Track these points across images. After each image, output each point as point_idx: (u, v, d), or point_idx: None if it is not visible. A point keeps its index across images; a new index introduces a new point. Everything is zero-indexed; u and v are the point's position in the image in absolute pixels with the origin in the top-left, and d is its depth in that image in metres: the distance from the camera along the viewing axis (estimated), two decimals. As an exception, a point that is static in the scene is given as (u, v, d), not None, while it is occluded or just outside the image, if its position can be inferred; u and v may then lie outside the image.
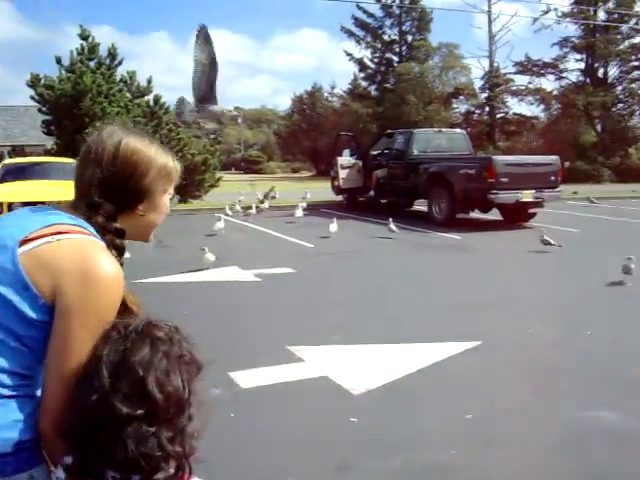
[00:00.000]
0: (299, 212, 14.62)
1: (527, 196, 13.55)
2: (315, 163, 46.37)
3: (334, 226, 12.13)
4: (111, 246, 1.46)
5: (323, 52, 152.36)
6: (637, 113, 40.35)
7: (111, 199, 1.48)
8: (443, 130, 18.02)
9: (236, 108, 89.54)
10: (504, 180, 13.17)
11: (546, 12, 38.59)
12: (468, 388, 4.52)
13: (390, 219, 12.29)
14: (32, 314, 1.32)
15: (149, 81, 19.17)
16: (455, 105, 43.44)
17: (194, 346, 1.37)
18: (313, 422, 3.98)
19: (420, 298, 7.43)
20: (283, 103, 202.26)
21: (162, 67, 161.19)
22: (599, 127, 40.66)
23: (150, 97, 19.05)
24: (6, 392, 1.32)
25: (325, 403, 4.29)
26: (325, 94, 47.08)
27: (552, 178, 14.18)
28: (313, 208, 16.94)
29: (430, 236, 12.63)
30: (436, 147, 16.17)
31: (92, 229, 1.43)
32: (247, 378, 4.62)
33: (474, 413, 4.02)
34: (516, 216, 14.47)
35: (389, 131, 17.70)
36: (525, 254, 10.51)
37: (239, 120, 46.72)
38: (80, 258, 1.34)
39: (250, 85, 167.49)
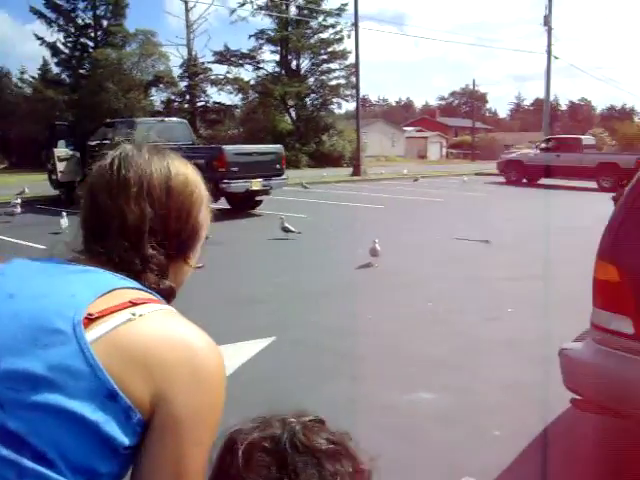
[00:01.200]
0: (17, 209, 13.21)
1: (256, 184, 13.84)
2: (7, 155, 42.38)
3: (65, 221, 11.19)
4: None
5: (5, 34, 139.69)
6: (328, 103, 43.51)
7: (162, 248, 1.06)
8: (165, 120, 17.54)
9: None
10: (234, 169, 13.31)
11: (242, 4, 39.72)
12: (289, 388, 4.43)
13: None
14: (124, 438, 0.86)
15: None
16: (155, 93, 42.82)
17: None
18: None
19: (191, 296, 7.12)
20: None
21: None
22: (295, 116, 43.10)
23: None
24: None
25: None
26: (14, 80, 43.11)
27: (277, 166, 14.67)
28: (26, 204, 15.40)
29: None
30: (159, 137, 15.64)
31: (157, 294, 1.02)
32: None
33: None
34: (244, 204, 14.70)
35: (108, 120, 16.77)
36: (270, 243, 10.70)
37: None
38: (180, 344, 0.92)
39: None
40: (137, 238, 1.03)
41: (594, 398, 3.16)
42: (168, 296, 1.06)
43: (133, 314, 0.90)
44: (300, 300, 6.90)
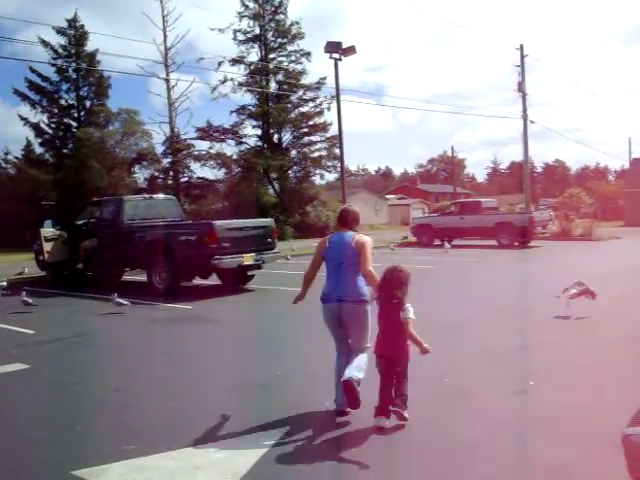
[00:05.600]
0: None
1: (249, 259, 13.53)
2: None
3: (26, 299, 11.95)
4: None
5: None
6: (311, 175, 43.87)
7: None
8: (153, 197, 17.26)
9: None
10: (226, 245, 13.01)
11: (223, 82, 40.34)
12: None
13: (115, 294, 11.40)
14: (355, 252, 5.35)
15: None
16: (138, 170, 42.96)
17: None
18: None
19: (199, 383, 6.62)
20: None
21: None
22: (278, 188, 43.32)
23: None
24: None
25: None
26: (-2, 161, 43.11)
27: (269, 240, 14.40)
28: (12, 286, 14.95)
29: (159, 308, 11.83)
30: (148, 214, 15.33)
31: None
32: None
33: None
34: (236, 279, 14.39)
35: (95, 199, 16.56)
36: (273, 317, 10.35)
37: None
38: (364, 236, 5.50)
39: None
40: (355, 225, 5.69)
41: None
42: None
43: (356, 234, 5.52)
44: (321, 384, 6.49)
